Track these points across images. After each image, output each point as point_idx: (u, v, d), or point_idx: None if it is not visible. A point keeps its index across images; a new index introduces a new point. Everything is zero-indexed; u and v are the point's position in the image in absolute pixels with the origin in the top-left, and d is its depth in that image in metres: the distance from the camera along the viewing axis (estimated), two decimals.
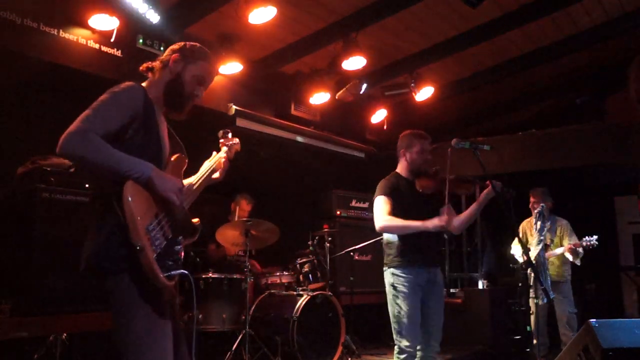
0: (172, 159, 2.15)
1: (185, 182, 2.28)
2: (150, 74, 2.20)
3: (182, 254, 2.08)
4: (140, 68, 2.20)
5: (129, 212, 1.81)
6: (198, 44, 2.26)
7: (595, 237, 5.11)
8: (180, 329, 2.11)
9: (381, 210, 3.32)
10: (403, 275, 3.27)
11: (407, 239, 3.30)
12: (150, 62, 2.21)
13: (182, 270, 2.00)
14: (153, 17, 4.33)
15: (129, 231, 1.81)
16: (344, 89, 5.92)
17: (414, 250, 3.29)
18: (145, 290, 1.89)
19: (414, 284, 3.26)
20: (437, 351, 3.33)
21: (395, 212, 3.28)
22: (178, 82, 2.15)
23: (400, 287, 3.26)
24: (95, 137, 1.83)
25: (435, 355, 3.32)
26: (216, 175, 2.46)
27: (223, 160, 2.47)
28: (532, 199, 5.45)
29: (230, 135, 2.63)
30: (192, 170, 2.40)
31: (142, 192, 1.89)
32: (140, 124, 1.99)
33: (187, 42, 2.25)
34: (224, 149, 2.55)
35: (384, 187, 3.41)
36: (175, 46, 2.22)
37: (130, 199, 1.82)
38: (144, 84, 2.15)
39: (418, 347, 3.27)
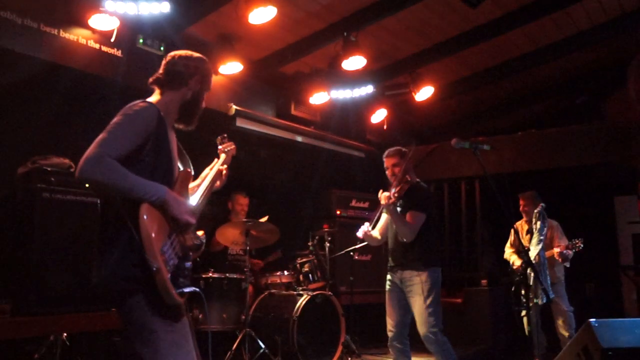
0: (180, 174, 2.19)
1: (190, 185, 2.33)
2: (158, 87, 2.21)
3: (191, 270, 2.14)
4: (149, 81, 2.22)
5: (145, 233, 1.84)
6: (202, 57, 2.30)
7: (580, 239, 5.13)
8: (194, 336, 2.14)
9: None
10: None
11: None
12: (159, 74, 2.21)
13: (194, 288, 2.05)
14: (164, 7, 4.19)
15: (144, 251, 1.84)
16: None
17: (389, 256, 3.92)
18: (164, 307, 1.93)
19: (389, 282, 3.85)
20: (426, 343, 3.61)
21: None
22: (197, 101, 2.26)
23: None
24: (112, 162, 1.86)
25: (429, 348, 3.61)
26: (217, 184, 2.53)
27: (224, 171, 2.54)
28: (522, 202, 5.44)
29: (226, 140, 2.71)
30: (195, 173, 2.42)
31: (156, 213, 1.93)
32: (153, 143, 2.02)
33: (200, 58, 2.27)
34: (222, 155, 2.62)
35: None
36: (184, 61, 2.22)
37: (146, 220, 1.85)
38: (153, 100, 2.16)
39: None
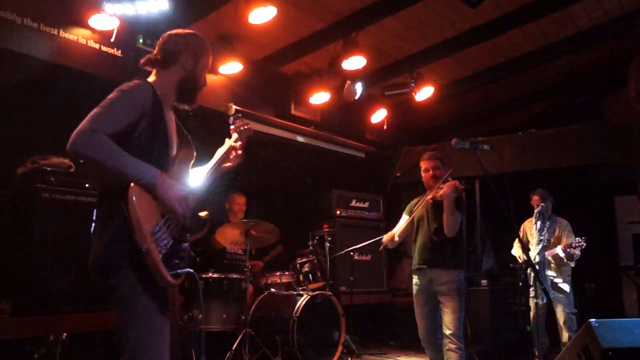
0: (180, 153, 2.15)
1: (196, 170, 2.29)
2: (151, 68, 2.19)
3: (188, 251, 2.09)
4: (141, 61, 2.19)
5: (134, 214, 1.82)
6: (195, 33, 2.26)
7: (584, 238, 5.16)
8: (174, 326, 2.12)
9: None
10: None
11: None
12: (152, 55, 2.19)
13: (188, 269, 2.01)
14: (162, 4, 4.19)
15: (134, 233, 1.82)
16: (345, 89, 5.93)
17: (414, 256, 3.95)
18: (150, 286, 1.90)
19: (416, 285, 3.89)
20: (451, 342, 3.59)
21: (410, 225, 4.00)
22: (193, 78, 2.20)
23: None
24: (104, 138, 1.83)
25: (447, 348, 3.61)
26: (227, 164, 2.41)
27: (234, 147, 2.43)
28: (535, 198, 5.45)
29: (240, 119, 2.57)
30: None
31: (147, 194, 1.90)
32: (148, 122, 1.98)
33: (185, 33, 2.24)
34: (234, 135, 2.51)
35: (408, 206, 4.13)
36: (173, 38, 2.20)
37: (135, 200, 1.82)
38: (150, 80, 2.14)
39: None
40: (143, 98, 1.99)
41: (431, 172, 3.92)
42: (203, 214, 2.19)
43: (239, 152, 2.44)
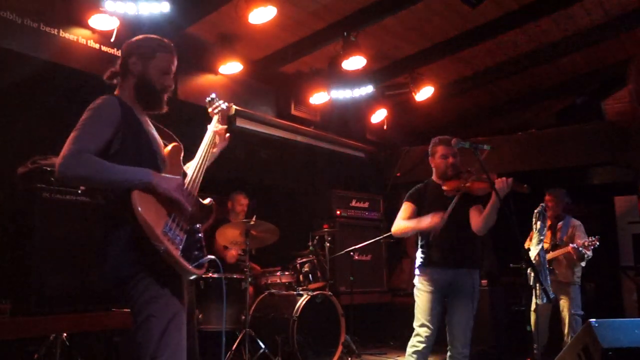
0: (168, 149, 2.19)
1: (187, 165, 2.33)
2: (116, 80, 2.21)
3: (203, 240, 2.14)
4: (104, 77, 2.21)
5: (143, 220, 1.86)
6: (148, 36, 2.22)
7: (597, 237, 5.12)
8: (193, 326, 2.16)
9: (398, 215, 3.55)
10: (420, 274, 3.48)
11: (426, 239, 3.46)
12: (112, 68, 2.21)
13: (210, 257, 2.09)
14: (164, 7, 4.15)
15: (149, 239, 1.86)
16: None
17: (433, 251, 3.43)
18: (165, 285, 1.95)
19: (429, 283, 3.41)
20: (460, 353, 3.32)
21: (417, 216, 3.46)
22: (144, 82, 2.16)
23: (417, 284, 3.48)
24: (90, 156, 1.88)
25: (459, 358, 3.32)
26: (216, 148, 2.48)
27: (218, 131, 2.50)
28: (548, 197, 5.40)
29: (216, 100, 2.60)
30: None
31: (149, 197, 1.94)
32: (125, 131, 2.02)
33: (137, 39, 2.21)
34: (215, 118, 2.55)
35: (410, 194, 3.60)
36: (125, 46, 2.20)
37: (140, 209, 1.86)
38: (116, 92, 2.17)
39: (448, 347, 3.39)
40: (112, 111, 2.02)
41: (451, 159, 3.49)
42: (207, 201, 2.22)
43: (224, 132, 2.52)
